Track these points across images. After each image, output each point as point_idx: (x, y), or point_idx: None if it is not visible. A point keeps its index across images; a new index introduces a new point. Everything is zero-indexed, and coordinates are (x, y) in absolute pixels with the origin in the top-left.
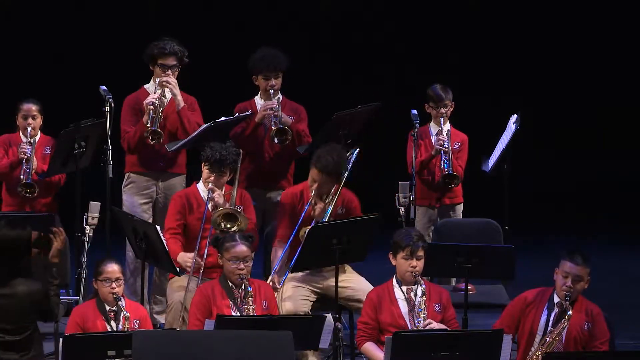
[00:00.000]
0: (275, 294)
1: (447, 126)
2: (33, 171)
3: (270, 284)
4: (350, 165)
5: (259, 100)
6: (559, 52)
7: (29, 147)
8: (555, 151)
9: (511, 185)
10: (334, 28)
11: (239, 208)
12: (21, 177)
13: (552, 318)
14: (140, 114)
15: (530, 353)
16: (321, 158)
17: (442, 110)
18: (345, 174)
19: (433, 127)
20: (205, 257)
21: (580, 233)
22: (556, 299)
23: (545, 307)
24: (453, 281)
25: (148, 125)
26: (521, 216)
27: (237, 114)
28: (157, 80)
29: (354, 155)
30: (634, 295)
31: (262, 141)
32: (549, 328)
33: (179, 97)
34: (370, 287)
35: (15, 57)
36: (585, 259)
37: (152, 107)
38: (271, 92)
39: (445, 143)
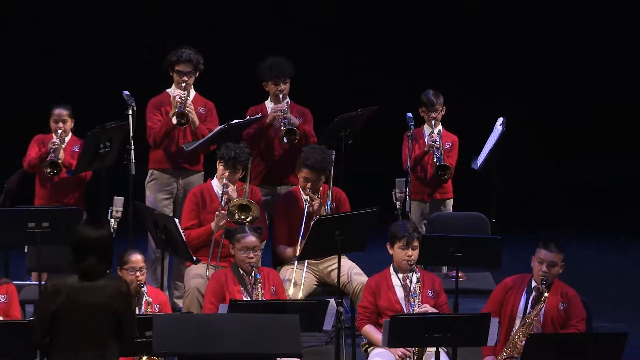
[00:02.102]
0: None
1: (439, 127)
2: (60, 161)
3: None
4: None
5: (269, 104)
6: (559, 52)
7: (58, 140)
8: (555, 151)
9: (499, 182)
10: (336, 32)
11: None
12: (47, 159)
13: (530, 301)
14: (164, 113)
15: (512, 334)
16: (309, 157)
17: (433, 114)
18: (332, 169)
19: (426, 129)
20: (220, 247)
21: (564, 227)
22: (534, 284)
23: (524, 292)
24: (444, 269)
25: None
26: (508, 212)
27: (248, 117)
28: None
29: (332, 155)
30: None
31: (272, 141)
32: (527, 310)
33: (196, 120)
34: (351, 263)
35: (48, 65)
36: (559, 246)
37: (179, 99)
38: (280, 96)
39: (437, 139)
